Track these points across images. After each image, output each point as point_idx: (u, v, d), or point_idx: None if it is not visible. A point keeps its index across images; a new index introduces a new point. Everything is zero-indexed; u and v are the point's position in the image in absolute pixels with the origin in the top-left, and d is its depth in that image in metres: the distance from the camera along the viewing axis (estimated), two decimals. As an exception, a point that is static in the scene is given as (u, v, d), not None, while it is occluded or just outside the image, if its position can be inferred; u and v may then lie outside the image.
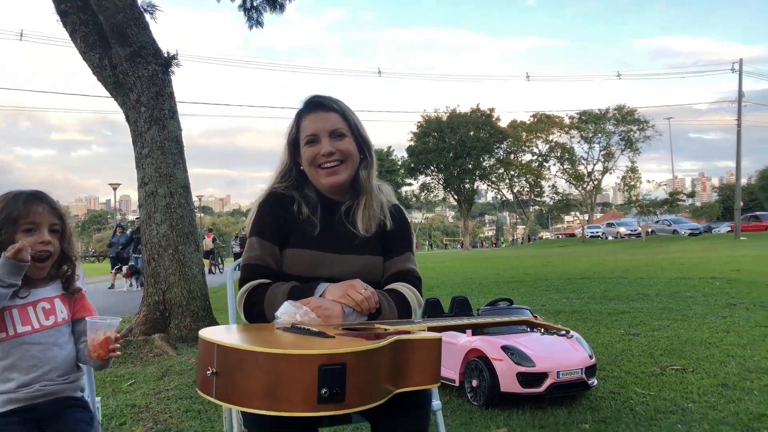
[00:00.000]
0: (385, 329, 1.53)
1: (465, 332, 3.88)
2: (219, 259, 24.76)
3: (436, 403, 1.92)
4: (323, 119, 1.81)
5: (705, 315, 6.79)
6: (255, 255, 1.78)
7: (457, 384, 3.81)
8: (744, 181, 46.17)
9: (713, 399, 3.52)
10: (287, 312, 1.59)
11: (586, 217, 62.59)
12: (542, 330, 2.05)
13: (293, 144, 1.87)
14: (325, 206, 1.85)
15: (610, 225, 44.86)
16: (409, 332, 1.46)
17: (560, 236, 64.13)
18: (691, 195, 60.46)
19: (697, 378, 4.03)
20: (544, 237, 70.67)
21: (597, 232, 46.76)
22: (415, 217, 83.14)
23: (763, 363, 4.36)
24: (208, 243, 26.64)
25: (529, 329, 2.17)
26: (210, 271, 22.21)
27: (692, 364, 4.44)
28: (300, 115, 1.86)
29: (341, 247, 1.79)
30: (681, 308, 7.40)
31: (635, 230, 41.68)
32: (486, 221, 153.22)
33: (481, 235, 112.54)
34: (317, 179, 1.83)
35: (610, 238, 42.63)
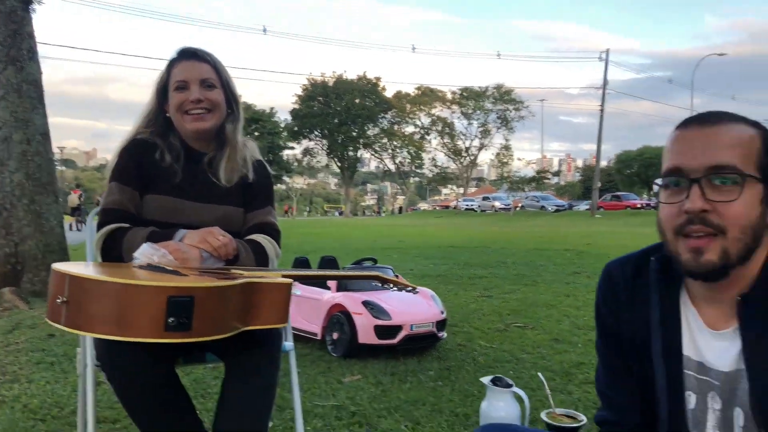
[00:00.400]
0: (240, 273, 1.63)
1: (329, 288, 4.07)
2: (85, 217, 23.36)
3: (288, 344, 2.07)
4: (195, 68, 1.84)
5: (552, 281, 7.53)
6: (114, 199, 1.80)
7: (319, 337, 4.00)
8: (603, 163, 50.58)
9: (545, 351, 3.99)
10: (145, 253, 1.63)
11: (462, 190, 65.46)
12: (392, 285, 2.26)
13: (162, 91, 1.89)
14: (189, 155, 1.88)
15: (486, 199, 46.52)
16: (262, 277, 1.58)
17: (436, 208, 66.57)
18: (557, 174, 65.04)
19: (534, 334, 4.52)
20: (422, 208, 72.85)
21: (472, 205, 48.81)
22: (297, 182, 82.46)
23: (590, 322, 4.96)
24: (74, 199, 24.95)
25: (381, 285, 2.37)
26: (77, 228, 20.95)
27: (533, 322, 4.96)
28: (172, 63, 1.88)
29: (202, 195, 1.84)
30: (532, 275, 8.13)
31: (508, 204, 44.03)
32: (368, 190, 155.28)
33: (363, 204, 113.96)
34: (182, 125, 1.86)
35: (486, 211, 44.82)
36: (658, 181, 1.11)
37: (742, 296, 1.07)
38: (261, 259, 1.86)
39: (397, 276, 4.42)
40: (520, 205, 43.67)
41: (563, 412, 2.09)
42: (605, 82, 37.52)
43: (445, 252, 12.13)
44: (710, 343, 1.13)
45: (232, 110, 1.93)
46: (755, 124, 1.09)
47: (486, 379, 2.15)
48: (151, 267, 1.55)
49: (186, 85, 1.82)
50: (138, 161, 1.83)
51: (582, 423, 1.92)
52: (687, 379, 1.17)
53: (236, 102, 1.94)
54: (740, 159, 1.03)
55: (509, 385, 2.11)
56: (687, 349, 1.17)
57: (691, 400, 1.17)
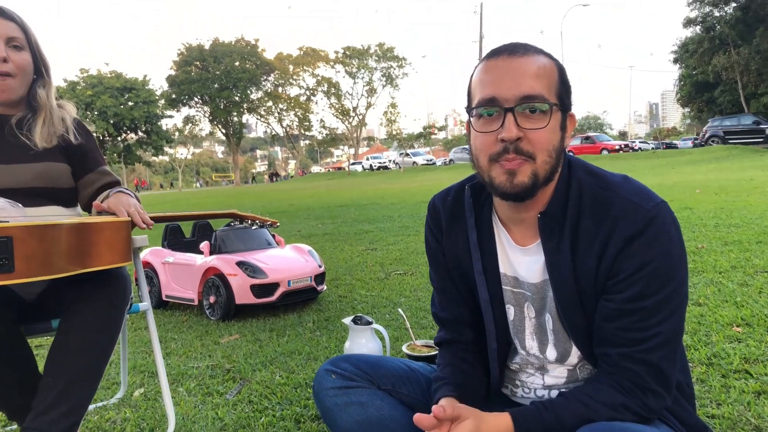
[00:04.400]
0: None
1: (202, 253, 3.99)
2: None
3: (144, 304, 2.02)
4: (2, 25, 1.71)
5: (434, 230, 7.80)
6: None
7: (195, 303, 3.94)
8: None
9: (421, 294, 4.17)
10: None
11: (353, 151, 65.58)
12: (249, 222, 2.29)
13: None
14: None
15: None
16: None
17: (330, 170, 66.29)
18: (442, 129, 66.67)
19: (413, 279, 4.70)
20: (314, 171, 72.36)
21: (383, 163, 47.55)
22: (180, 153, 78.93)
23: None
24: None
25: (238, 223, 2.37)
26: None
27: (412, 269, 5.14)
28: None
29: (12, 157, 1.74)
30: (416, 226, 8.38)
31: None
32: (258, 156, 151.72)
33: (253, 171, 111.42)
34: None
35: (379, 169, 44.76)
36: (472, 111, 1.16)
37: (541, 214, 1.18)
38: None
39: (273, 235, 4.41)
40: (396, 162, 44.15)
41: (423, 342, 2.22)
42: (481, 35, 38.66)
43: (335, 211, 12.20)
44: (520, 259, 1.25)
45: (41, 74, 1.83)
46: (551, 56, 1.17)
47: (347, 320, 2.22)
48: None
49: None
50: None
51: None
52: (505, 294, 1.28)
53: (45, 66, 1.83)
54: (546, 89, 1.11)
55: (369, 323, 2.20)
56: (502, 266, 1.28)
57: (510, 312, 1.29)
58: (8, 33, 1.71)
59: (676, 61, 38.99)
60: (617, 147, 32.41)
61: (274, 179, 65.20)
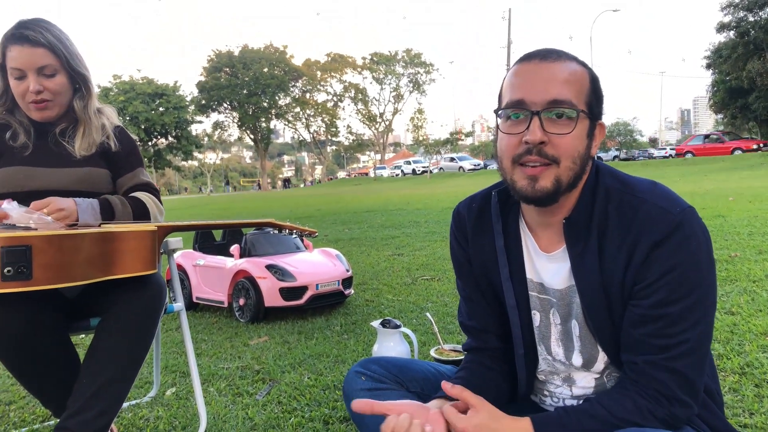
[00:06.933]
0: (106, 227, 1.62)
1: (233, 256, 4.06)
2: None
3: (178, 305, 2.08)
4: (30, 55, 1.73)
5: (460, 235, 7.78)
6: None
7: (225, 305, 4.00)
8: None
9: (447, 299, 4.17)
10: (20, 217, 1.57)
11: (379, 156, 65.73)
12: (287, 231, 2.31)
13: (2, 69, 1.80)
14: (38, 130, 1.85)
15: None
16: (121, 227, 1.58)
17: (355, 175, 66.55)
18: (469, 134, 66.47)
19: (440, 285, 4.70)
20: (340, 176, 72.76)
21: (391, 172, 47.59)
22: (209, 158, 79.98)
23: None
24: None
25: (274, 231, 2.40)
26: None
27: (439, 275, 5.14)
28: (6, 44, 1.76)
29: (56, 162, 1.81)
30: (443, 231, 8.37)
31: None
32: (285, 162, 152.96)
33: (280, 176, 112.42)
34: (29, 112, 1.82)
35: (406, 174, 44.32)
36: (500, 112, 1.17)
37: (566, 219, 1.19)
38: (140, 213, 1.86)
39: (303, 240, 4.46)
40: (439, 167, 43.91)
41: (451, 347, 2.23)
42: (509, 41, 38.47)
43: (361, 216, 12.24)
44: (546, 265, 1.25)
45: (79, 87, 1.87)
46: (584, 64, 1.18)
47: (376, 323, 2.25)
48: (5, 227, 1.51)
49: (22, 74, 1.75)
50: None
51: (465, 355, 2.06)
52: (531, 300, 1.29)
53: (82, 79, 1.86)
54: (575, 95, 1.12)
55: (397, 326, 2.22)
56: (529, 273, 1.28)
57: (536, 318, 1.30)
58: (37, 62, 1.74)
59: (708, 66, 38.25)
60: (754, 147, 29.91)
61: (287, 186, 66.49)
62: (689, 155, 30.70)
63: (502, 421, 1.12)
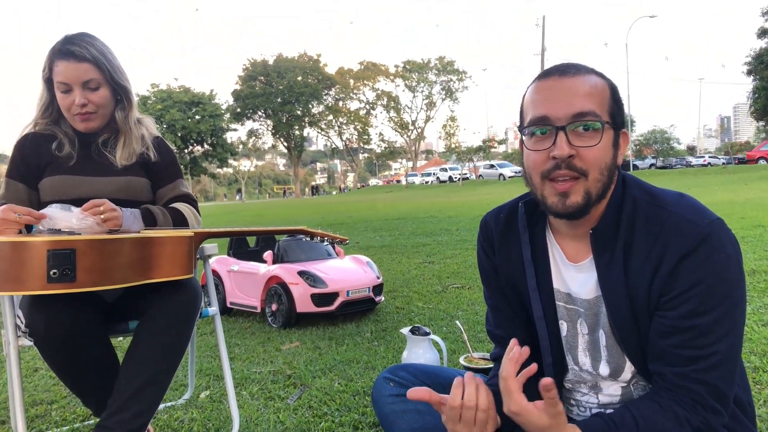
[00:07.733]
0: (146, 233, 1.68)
1: (266, 262, 4.13)
2: None
3: (212, 309, 2.14)
4: (75, 70, 1.80)
5: (492, 244, 7.74)
6: (2, 194, 1.86)
7: (258, 310, 4.07)
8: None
9: (478, 307, 4.16)
10: (62, 218, 1.63)
11: (411, 164, 65.78)
12: (318, 239, 2.34)
13: (49, 81, 1.87)
14: (82, 140, 1.93)
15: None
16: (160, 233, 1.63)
17: (387, 182, 66.70)
18: (502, 142, 66.03)
19: (470, 293, 4.70)
20: (371, 183, 73.10)
21: (422, 179, 47.42)
22: (244, 165, 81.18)
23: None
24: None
25: (306, 238, 2.43)
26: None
27: (470, 283, 5.14)
28: (53, 58, 1.83)
29: (98, 171, 1.88)
30: (474, 239, 8.31)
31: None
32: (318, 169, 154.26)
33: (313, 183, 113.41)
34: (74, 123, 1.89)
35: (432, 182, 44.13)
36: (525, 129, 1.19)
37: (593, 230, 1.19)
38: (179, 223, 1.92)
39: (334, 246, 4.52)
40: (478, 174, 43.58)
41: (480, 355, 2.24)
42: (543, 48, 38.18)
43: (392, 224, 12.28)
44: (573, 275, 1.26)
45: (120, 99, 1.94)
46: (602, 76, 1.19)
47: (405, 330, 2.27)
48: (51, 231, 1.57)
49: (69, 87, 1.81)
50: (27, 156, 1.87)
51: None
52: (558, 310, 1.30)
53: (124, 91, 1.93)
54: (598, 107, 1.13)
55: (426, 333, 2.24)
56: (556, 282, 1.29)
57: (564, 327, 1.30)
58: (82, 77, 1.80)
59: (749, 73, 37.36)
60: None
61: (315, 193, 67.41)
62: (762, 161, 29.65)
63: (559, 418, 1.11)
